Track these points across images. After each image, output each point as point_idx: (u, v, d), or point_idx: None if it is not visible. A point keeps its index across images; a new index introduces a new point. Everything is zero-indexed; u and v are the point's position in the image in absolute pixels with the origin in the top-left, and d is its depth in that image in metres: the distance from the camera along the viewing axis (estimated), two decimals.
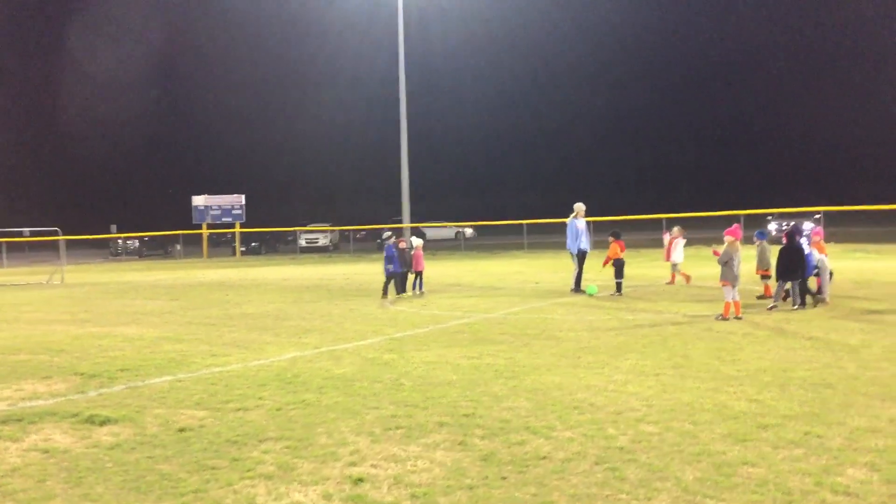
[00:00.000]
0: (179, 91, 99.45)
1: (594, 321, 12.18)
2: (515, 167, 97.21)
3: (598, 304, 14.75)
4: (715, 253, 12.44)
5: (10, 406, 7.19)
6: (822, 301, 13.31)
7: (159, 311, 15.76)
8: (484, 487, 4.71)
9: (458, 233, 51.31)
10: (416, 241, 18.71)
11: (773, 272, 13.97)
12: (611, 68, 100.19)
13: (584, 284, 16.83)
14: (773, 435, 5.58)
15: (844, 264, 21.83)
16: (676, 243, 18.55)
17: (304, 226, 52.89)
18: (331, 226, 53.24)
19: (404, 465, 5.19)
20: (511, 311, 13.82)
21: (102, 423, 6.41)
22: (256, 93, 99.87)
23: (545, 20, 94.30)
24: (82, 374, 8.72)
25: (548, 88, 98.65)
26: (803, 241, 13.52)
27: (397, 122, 43.14)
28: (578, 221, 17.20)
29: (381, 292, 17.14)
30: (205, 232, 49.25)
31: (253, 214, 51.23)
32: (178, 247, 49.63)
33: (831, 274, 13.96)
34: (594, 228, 29.78)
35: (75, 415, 6.70)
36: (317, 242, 50.27)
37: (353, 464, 5.24)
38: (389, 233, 18.47)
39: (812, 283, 13.59)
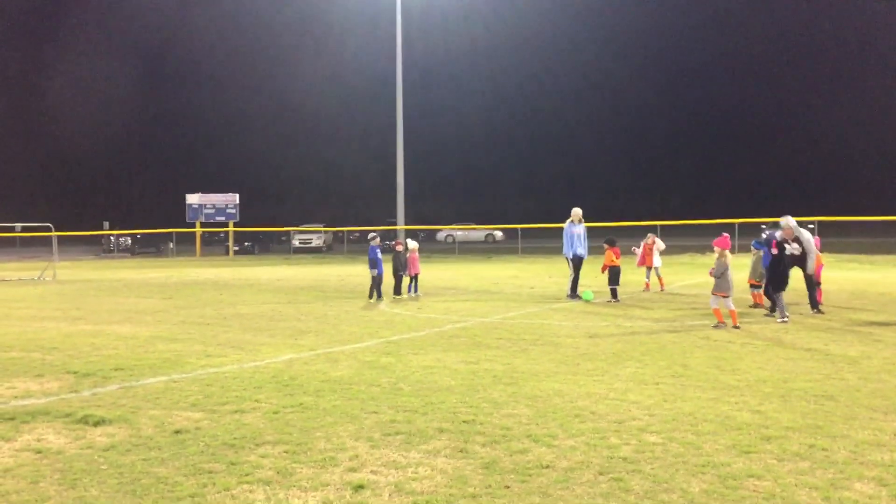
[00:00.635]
0: (174, 89, 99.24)
1: (591, 327, 12.12)
2: (511, 172, 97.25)
3: (595, 310, 14.70)
4: (711, 273, 12.35)
5: (3, 404, 7.08)
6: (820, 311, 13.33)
7: (152, 309, 15.63)
8: (487, 496, 4.63)
9: (488, 235, 50.99)
10: (412, 244, 18.63)
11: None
12: (608, 74, 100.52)
13: (580, 290, 16.78)
14: (777, 447, 5.52)
15: (839, 275, 21.87)
16: (656, 247, 18.67)
17: (298, 226, 52.76)
18: (324, 226, 53.09)
19: (405, 471, 5.11)
20: (507, 316, 13.76)
21: (97, 424, 6.31)
22: (252, 92, 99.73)
23: (544, 26, 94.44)
24: (75, 372, 8.61)
25: (545, 93, 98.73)
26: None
27: (393, 123, 43.06)
28: (575, 227, 17.13)
29: (368, 293, 17.16)
30: (198, 230, 49.06)
31: (247, 214, 51.13)
32: (171, 245, 49.39)
33: (819, 283, 13.96)
34: (590, 234, 29.75)
35: (69, 415, 6.60)
36: (310, 243, 50.15)
37: (352, 470, 5.16)
38: (374, 234, 18.33)
39: None
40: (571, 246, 17.02)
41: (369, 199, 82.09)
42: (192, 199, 48.63)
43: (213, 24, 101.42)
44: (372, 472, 5.11)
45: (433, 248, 48.41)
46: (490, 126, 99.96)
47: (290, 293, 19.29)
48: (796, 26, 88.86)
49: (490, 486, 4.81)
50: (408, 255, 18.29)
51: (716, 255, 12.35)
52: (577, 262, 16.99)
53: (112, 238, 51.63)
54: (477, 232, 54.99)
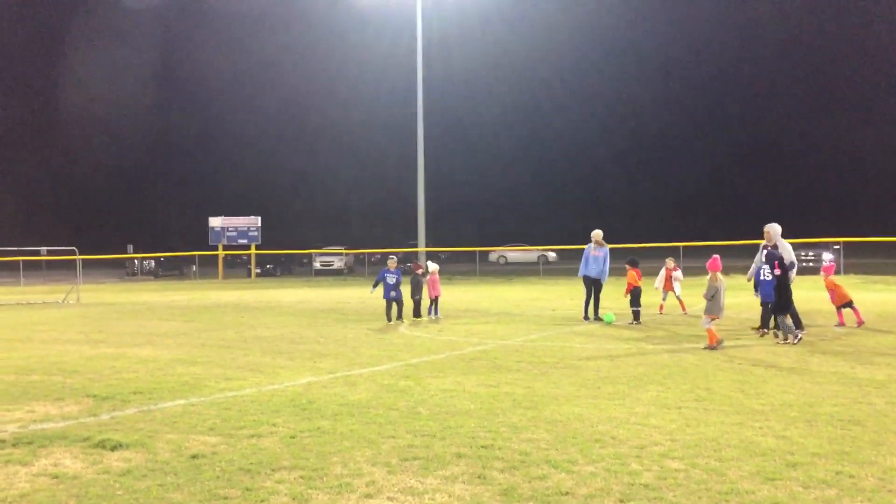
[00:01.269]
0: (198, 113, 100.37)
1: (613, 350, 11.99)
2: (534, 193, 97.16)
3: (616, 332, 14.55)
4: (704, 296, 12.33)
5: (21, 428, 7.09)
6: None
7: (174, 332, 15.69)
8: None
9: (540, 256, 50.93)
10: (432, 267, 18.61)
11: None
12: (630, 95, 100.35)
13: (601, 312, 16.66)
14: (802, 474, 5.38)
15: (866, 296, 21.50)
16: (675, 276, 18.53)
17: (319, 248, 52.96)
18: (346, 249, 53.24)
19: (421, 498, 5.04)
20: (528, 339, 13.65)
21: (114, 448, 6.29)
22: (274, 116, 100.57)
23: (567, 47, 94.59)
24: (95, 396, 8.62)
25: (567, 115, 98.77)
26: (766, 269, 13.39)
27: (414, 146, 43.26)
28: (593, 248, 17.04)
29: (385, 316, 17.16)
30: (220, 253, 49.39)
31: (269, 236, 51.40)
32: (194, 268, 49.75)
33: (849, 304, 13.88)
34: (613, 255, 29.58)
35: (86, 439, 6.59)
36: (331, 265, 50.27)
37: (368, 496, 5.09)
38: (392, 256, 18.37)
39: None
40: (586, 267, 16.96)
41: (390, 221, 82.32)
42: (215, 222, 49.01)
43: (238, 51, 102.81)
44: (388, 498, 5.04)
45: (486, 269, 48.59)
46: (513, 148, 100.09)
47: (311, 316, 19.30)
48: (826, 45, 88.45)
49: None
50: (428, 277, 18.27)
51: (708, 278, 12.30)
52: (588, 284, 16.90)
53: (136, 261, 52.12)
54: (530, 253, 54.73)
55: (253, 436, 6.70)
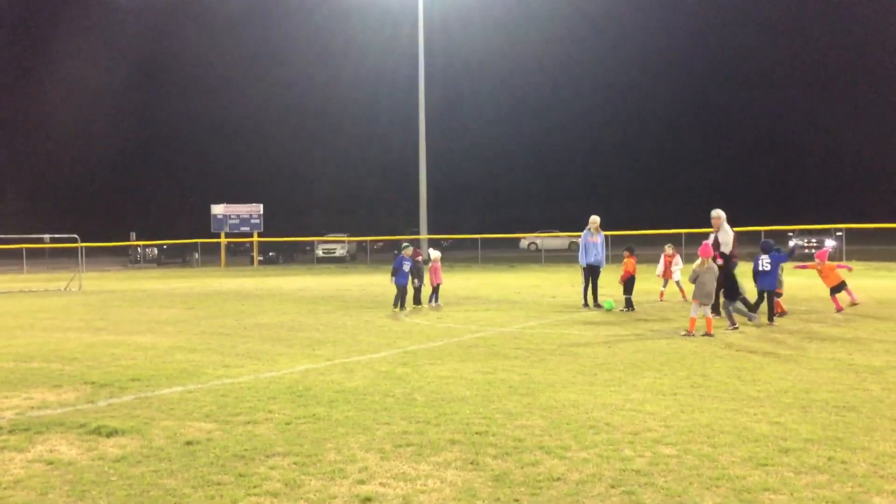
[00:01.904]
0: (200, 100, 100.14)
1: (611, 337, 12.00)
2: (535, 180, 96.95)
3: (615, 319, 14.56)
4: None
5: (18, 415, 7.12)
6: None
7: (174, 319, 15.73)
8: None
9: (571, 243, 50.73)
10: (434, 254, 18.61)
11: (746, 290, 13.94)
12: (633, 83, 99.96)
13: (600, 299, 16.66)
14: (795, 460, 5.39)
15: (867, 283, 21.50)
16: (675, 261, 18.65)
17: (322, 236, 53.00)
18: (348, 236, 53.27)
19: (414, 484, 5.06)
20: (527, 326, 13.67)
21: (109, 435, 6.32)
22: (277, 103, 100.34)
23: (569, 36, 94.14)
24: (93, 383, 8.65)
25: (568, 102, 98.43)
26: (765, 259, 13.52)
27: (416, 133, 43.19)
28: (591, 235, 17.00)
29: (392, 304, 17.13)
30: (223, 241, 49.45)
31: (271, 224, 51.47)
32: (197, 255, 49.84)
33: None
34: (611, 243, 29.59)
35: (83, 425, 6.62)
36: (334, 253, 50.32)
37: (361, 482, 5.11)
38: (406, 244, 18.47)
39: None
40: (586, 255, 16.92)
41: (393, 209, 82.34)
42: (217, 209, 49.07)
43: (240, 38, 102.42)
44: (380, 484, 5.06)
45: (515, 255, 48.60)
46: (513, 134, 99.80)
47: (311, 303, 19.33)
48: (830, 33, 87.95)
49: (499, 499, 4.74)
50: (430, 265, 18.28)
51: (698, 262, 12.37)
52: (590, 271, 16.88)
53: (138, 249, 52.24)
54: (560, 239, 54.65)
55: (248, 422, 6.72)
